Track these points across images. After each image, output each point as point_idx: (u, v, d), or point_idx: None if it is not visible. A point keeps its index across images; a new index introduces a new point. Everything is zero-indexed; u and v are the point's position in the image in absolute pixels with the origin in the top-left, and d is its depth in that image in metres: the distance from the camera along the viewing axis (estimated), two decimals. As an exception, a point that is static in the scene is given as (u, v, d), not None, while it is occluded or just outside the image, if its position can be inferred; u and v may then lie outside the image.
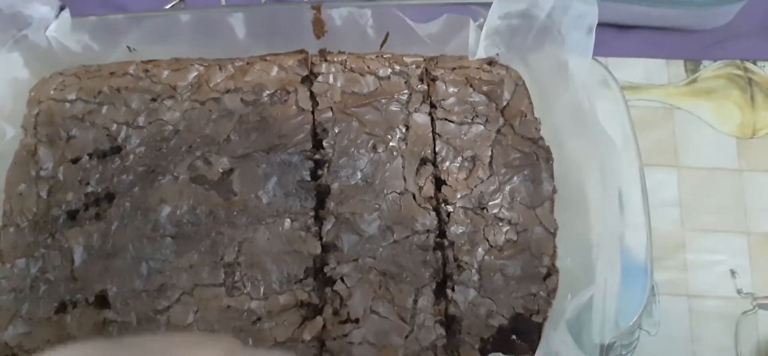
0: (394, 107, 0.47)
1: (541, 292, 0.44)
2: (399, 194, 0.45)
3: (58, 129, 0.46)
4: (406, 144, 0.47)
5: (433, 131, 0.47)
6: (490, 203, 0.45)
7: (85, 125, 0.47)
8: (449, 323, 0.43)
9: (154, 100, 0.47)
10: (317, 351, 0.42)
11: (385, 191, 0.45)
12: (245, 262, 0.44)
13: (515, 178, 0.46)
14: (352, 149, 0.46)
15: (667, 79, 0.59)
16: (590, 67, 0.45)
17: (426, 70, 0.49)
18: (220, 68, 0.48)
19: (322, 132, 0.47)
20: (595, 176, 0.43)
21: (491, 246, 0.45)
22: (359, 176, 0.46)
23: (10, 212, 0.45)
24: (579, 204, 0.44)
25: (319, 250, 0.44)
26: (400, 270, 0.44)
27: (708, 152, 0.57)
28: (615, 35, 0.60)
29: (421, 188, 0.46)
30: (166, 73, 0.48)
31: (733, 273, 0.54)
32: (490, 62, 0.49)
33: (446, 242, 0.45)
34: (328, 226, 0.45)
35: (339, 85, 0.48)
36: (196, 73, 0.48)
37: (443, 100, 0.48)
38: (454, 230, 0.45)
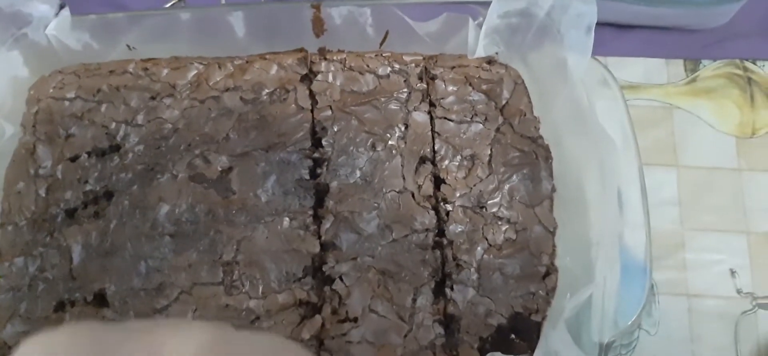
0: (393, 106, 0.47)
1: (540, 291, 0.44)
2: (398, 192, 0.45)
3: (57, 127, 0.46)
4: (405, 143, 0.47)
5: (433, 130, 0.47)
6: (489, 202, 0.45)
7: (84, 124, 0.47)
8: (448, 322, 0.43)
9: (153, 98, 0.47)
10: (316, 349, 0.42)
11: (384, 190, 0.45)
12: (244, 261, 0.44)
13: (514, 177, 0.46)
14: (352, 148, 0.46)
15: (667, 79, 0.59)
16: (590, 67, 0.45)
17: (425, 68, 0.49)
18: (219, 67, 0.48)
19: (321, 131, 0.47)
20: (595, 175, 0.43)
21: (490, 245, 0.44)
22: (358, 175, 0.46)
23: (9, 210, 0.45)
24: (578, 203, 0.44)
25: (317, 249, 0.44)
26: (398, 269, 0.44)
27: (707, 151, 0.57)
28: (614, 35, 0.60)
29: (420, 187, 0.46)
30: (165, 71, 0.48)
31: (732, 272, 0.54)
32: (490, 61, 0.49)
33: (445, 241, 0.45)
34: (327, 225, 0.45)
35: (338, 83, 0.48)
36: (195, 72, 0.48)
37: (442, 98, 0.48)
38: (453, 229, 0.45)
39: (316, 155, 0.46)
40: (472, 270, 0.44)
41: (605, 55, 0.59)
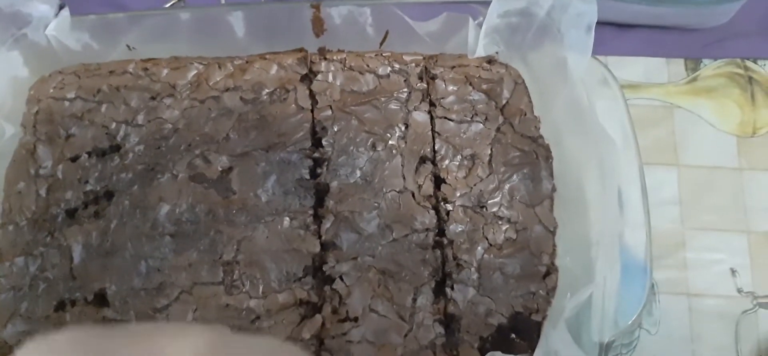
0: (393, 106, 0.47)
1: (541, 291, 0.44)
2: (398, 192, 0.45)
3: (57, 127, 0.46)
4: (406, 142, 0.47)
5: (433, 130, 0.47)
6: (489, 202, 0.45)
7: (84, 124, 0.47)
8: (448, 321, 0.43)
9: (153, 98, 0.47)
10: (316, 349, 0.42)
11: (384, 190, 0.45)
12: (244, 260, 0.44)
13: (515, 176, 0.46)
14: (352, 148, 0.46)
15: (667, 78, 0.59)
16: (590, 66, 0.44)
17: (425, 68, 0.49)
18: (219, 67, 0.48)
19: (321, 130, 0.47)
20: (595, 175, 0.43)
21: (490, 245, 0.44)
22: (358, 175, 0.46)
23: (9, 210, 0.45)
24: (578, 203, 0.44)
25: (318, 248, 0.44)
26: (399, 269, 0.44)
27: (708, 150, 0.57)
28: (615, 34, 0.60)
29: (420, 187, 0.46)
30: (165, 71, 0.48)
31: (733, 271, 0.54)
32: (490, 61, 0.49)
33: (445, 241, 0.45)
34: (327, 224, 0.45)
35: (338, 83, 0.48)
36: (195, 72, 0.48)
37: (443, 98, 0.48)
38: (454, 228, 0.45)
39: (316, 154, 0.46)
40: (473, 269, 0.44)
41: (605, 54, 0.59)
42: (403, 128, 0.47)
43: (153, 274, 0.43)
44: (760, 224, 0.55)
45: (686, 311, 0.53)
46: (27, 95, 0.48)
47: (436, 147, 0.47)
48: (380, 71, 0.48)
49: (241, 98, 0.47)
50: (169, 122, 0.47)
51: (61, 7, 0.46)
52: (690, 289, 0.53)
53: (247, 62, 0.48)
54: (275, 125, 0.46)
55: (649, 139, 0.57)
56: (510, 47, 0.48)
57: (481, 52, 0.48)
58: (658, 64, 0.60)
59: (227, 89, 0.47)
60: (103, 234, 0.44)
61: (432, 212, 0.45)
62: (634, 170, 0.43)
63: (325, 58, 0.48)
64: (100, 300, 0.43)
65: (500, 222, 0.45)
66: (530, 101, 0.48)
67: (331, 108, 0.47)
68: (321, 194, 0.45)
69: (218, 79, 0.48)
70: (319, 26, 0.48)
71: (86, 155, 0.46)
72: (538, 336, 0.42)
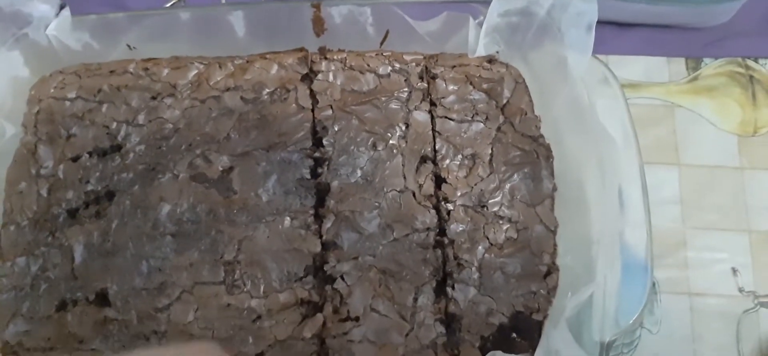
0: (394, 105, 0.47)
1: (542, 290, 0.44)
2: (399, 192, 0.45)
3: (58, 127, 0.46)
4: (406, 142, 0.47)
5: (433, 129, 0.47)
6: (490, 201, 0.45)
7: (85, 124, 0.47)
8: (449, 321, 0.43)
9: (154, 98, 0.47)
10: (317, 348, 0.42)
11: (385, 189, 0.45)
12: (245, 260, 0.44)
13: (515, 176, 0.46)
14: (352, 147, 0.46)
15: (668, 77, 0.59)
16: (590, 65, 0.44)
17: (426, 68, 0.49)
18: (220, 66, 0.48)
19: (322, 130, 0.47)
20: (596, 174, 0.43)
21: (491, 244, 0.44)
22: (359, 174, 0.46)
23: (11, 210, 0.45)
24: (579, 202, 0.44)
25: (319, 248, 0.44)
26: (400, 268, 0.44)
27: (709, 149, 0.57)
28: (615, 33, 0.60)
29: (421, 186, 0.46)
30: (166, 71, 0.48)
31: (734, 271, 0.54)
32: (490, 60, 0.49)
33: (446, 241, 0.45)
34: (328, 224, 0.45)
35: (339, 83, 0.48)
36: (196, 72, 0.48)
37: (443, 98, 0.48)
38: (454, 228, 0.45)
39: (316, 154, 0.46)
40: (474, 269, 0.44)
41: (606, 53, 0.59)
42: (403, 128, 0.47)
43: (154, 274, 0.43)
44: (761, 224, 0.55)
45: (687, 310, 0.53)
46: (28, 94, 0.48)
47: (436, 147, 0.47)
48: (381, 71, 0.48)
49: (241, 98, 0.47)
50: (170, 121, 0.47)
51: (61, 7, 0.46)
52: (691, 288, 0.53)
53: (247, 62, 0.48)
54: (276, 125, 0.46)
55: (650, 138, 0.57)
56: (510, 46, 0.48)
57: (481, 51, 0.48)
58: (659, 63, 0.60)
59: (228, 89, 0.47)
60: (105, 234, 0.44)
61: (433, 211, 0.45)
62: (634, 169, 0.43)
63: (326, 58, 0.48)
64: (102, 299, 0.43)
65: (501, 222, 0.45)
66: (531, 101, 0.48)
67: (331, 108, 0.47)
68: (322, 193, 0.46)
69: (219, 78, 0.48)
70: (319, 26, 0.48)
71: (87, 155, 0.46)
72: (539, 336, 0.42)
